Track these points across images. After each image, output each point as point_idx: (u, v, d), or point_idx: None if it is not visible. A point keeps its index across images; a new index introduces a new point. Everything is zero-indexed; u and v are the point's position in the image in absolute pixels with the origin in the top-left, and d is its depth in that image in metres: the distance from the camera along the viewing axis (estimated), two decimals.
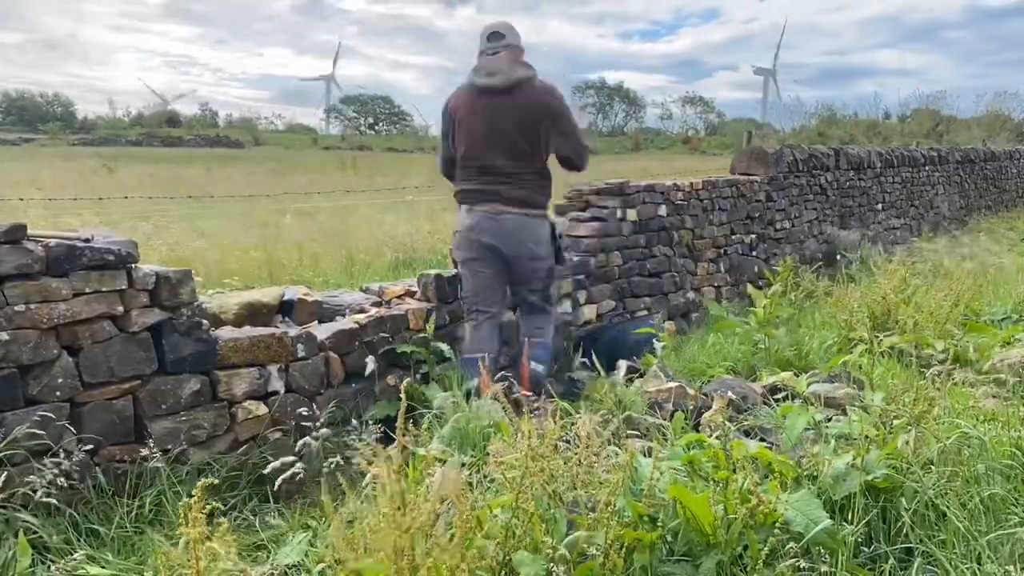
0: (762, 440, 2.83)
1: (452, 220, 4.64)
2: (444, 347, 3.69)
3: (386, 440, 2.84)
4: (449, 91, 3.91)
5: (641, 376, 3.74)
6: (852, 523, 2.09)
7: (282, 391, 3.13)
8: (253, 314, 3.49)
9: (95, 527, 2.49)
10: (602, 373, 3.72)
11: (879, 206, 9.32)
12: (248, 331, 3.15)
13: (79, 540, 2.41)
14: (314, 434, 2.94)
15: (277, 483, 2.39)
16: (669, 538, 2.04)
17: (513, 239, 3.69)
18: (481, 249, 3.71)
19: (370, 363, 3.39)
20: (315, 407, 3.16)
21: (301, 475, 2.41)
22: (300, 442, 2.89)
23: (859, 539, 2.10)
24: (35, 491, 2.35)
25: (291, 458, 2.38)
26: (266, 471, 2.38)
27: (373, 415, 3.37)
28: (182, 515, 1.63)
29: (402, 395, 2.00)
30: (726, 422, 2.44)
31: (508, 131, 3.65)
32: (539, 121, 3.67)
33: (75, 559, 2.15)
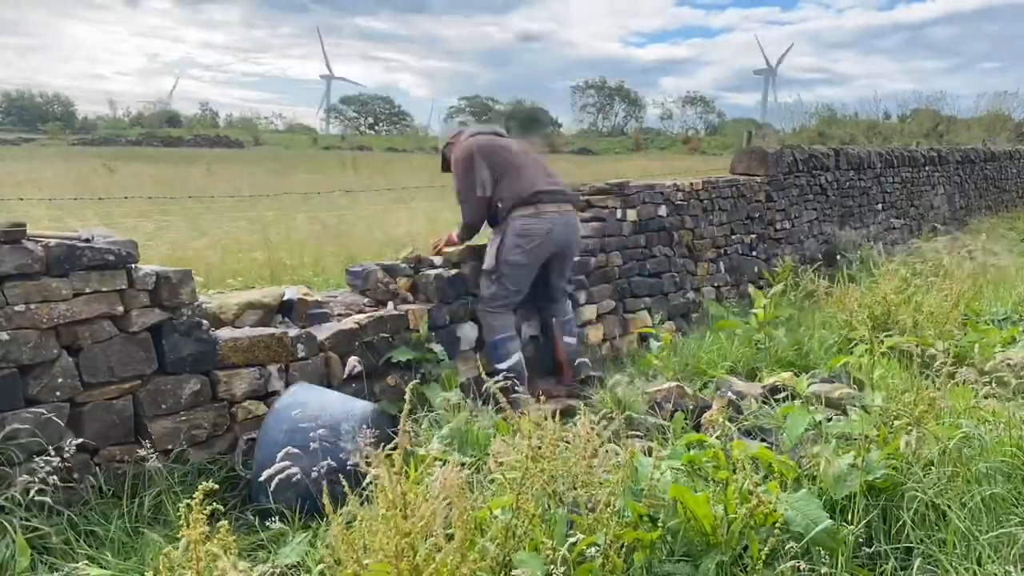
0: (762, 440, 2.83)
1: (451, 220, 4.64)
2: (438, 348, 3.70)
3: (386, 440, 2.84)
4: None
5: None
6: (852, 523, 2.09)
7: (282, 391, 3.13)
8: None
9: (94, 528, 2.49)
10: None
11: (879, 206, 9.31)
12: (248, 331, 3.15)
13: (78, 541, 2.40)
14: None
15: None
16: (669, 538, 2.04)
17: (574, 238, 4.25)
18: (548, 250, 4.07)
19: (356, 364, 3.35)
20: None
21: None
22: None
23: (859, 539, 2.10)
24: (28, 491, 2.34)
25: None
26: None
27: None
28: (183, 517, 1.63)
29: (407, 396, 1.99)
30: (726, 422, 2.44)
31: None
32: None
33: (78, 566, 2.15)
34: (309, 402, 2.84)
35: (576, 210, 4.36)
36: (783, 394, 3.44)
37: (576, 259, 4.44)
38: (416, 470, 2.24)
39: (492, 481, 2.24)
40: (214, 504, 1.70)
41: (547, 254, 4.08)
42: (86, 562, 2.22)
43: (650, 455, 2.33)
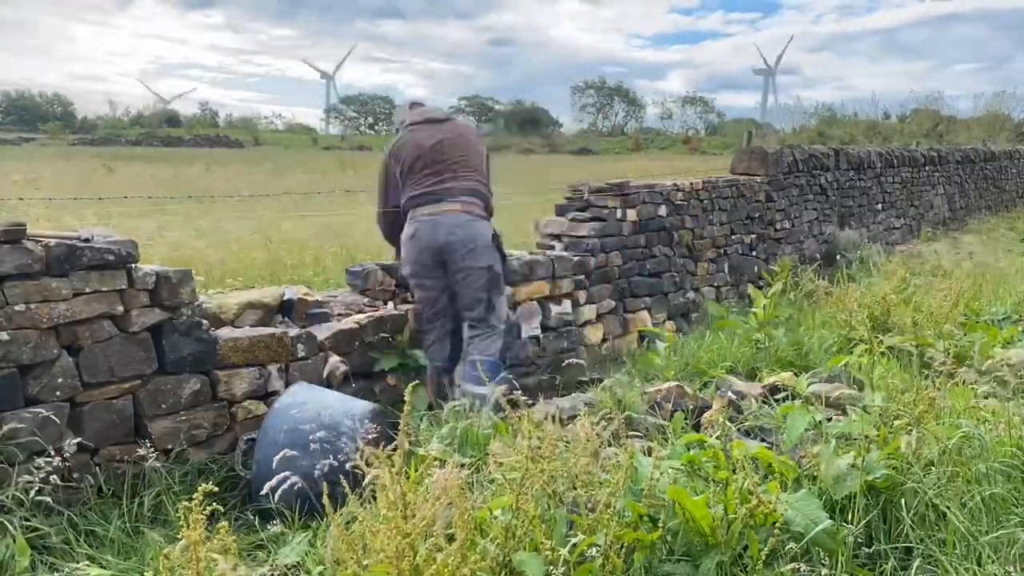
0: (762, 440, 2.83)
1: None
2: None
3: (386, 440, 2.84)
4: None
5: None
6: (852, 523, 2.09)
7: (282, 391, 3.13)
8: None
9: (94, 528, 2.49)
10: None
11: (879, 206, 9.31)
12: (248, 331, 3.15)
13: (78, 540, 2.40)
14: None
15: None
16: (669, 538, 2.03)
17: (456, 238, 3.68)
18: (428, 256, 3.70)
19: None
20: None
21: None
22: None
23: (859, 539, 2.10)
24: (28, 491, 2.34)
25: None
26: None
27: None
28: (183, 517, 1.63)
29: (407, 397, 1.99)
30: (726, 422, 2.44)
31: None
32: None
33: (78, 566, 2.15)
34: (309, 402, 2.84)
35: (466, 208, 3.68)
36: (783, 394, 3.44)
37: (484, 270, 3.65)
38: (416, 470, 2.24)
39: (492, 481, 2.24)
40: (214, 504, 1.70)
41: (428, 261, 3.63)
42: (86, 562, 2.22)
43: (650, 455, 2.33)
